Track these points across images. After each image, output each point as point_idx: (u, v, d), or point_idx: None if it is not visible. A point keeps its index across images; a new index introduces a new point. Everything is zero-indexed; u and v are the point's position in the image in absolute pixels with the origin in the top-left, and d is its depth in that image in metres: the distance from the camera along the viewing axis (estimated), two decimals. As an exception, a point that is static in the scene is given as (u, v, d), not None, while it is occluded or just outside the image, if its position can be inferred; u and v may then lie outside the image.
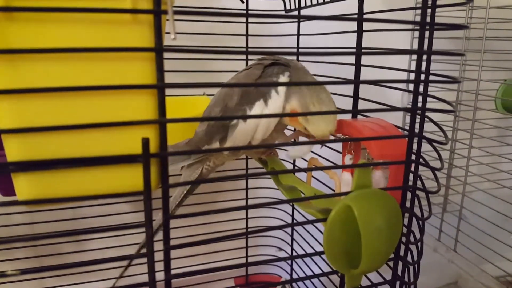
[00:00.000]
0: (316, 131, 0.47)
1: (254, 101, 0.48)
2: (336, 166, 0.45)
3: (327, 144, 0.65)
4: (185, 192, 0.55)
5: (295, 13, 0.73)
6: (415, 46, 0.86)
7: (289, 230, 0.87)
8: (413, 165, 0.43)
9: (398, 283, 0.46)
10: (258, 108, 0.48)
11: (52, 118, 0.29)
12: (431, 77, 0.40)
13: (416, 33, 0.95)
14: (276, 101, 0.48)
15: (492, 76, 0.91)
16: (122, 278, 0.77)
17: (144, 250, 0.32)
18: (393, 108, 0.42)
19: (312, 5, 0.67)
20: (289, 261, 0.89)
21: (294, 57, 0.73)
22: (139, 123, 0.31)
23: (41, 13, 0.27)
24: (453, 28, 0.39)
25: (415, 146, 0.42)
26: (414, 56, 0.97)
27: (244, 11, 0.72)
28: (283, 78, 0.48)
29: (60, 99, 0.29)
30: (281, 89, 0.48)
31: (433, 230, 0.93)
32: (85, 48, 0.28)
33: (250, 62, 0.76)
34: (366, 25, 0.53)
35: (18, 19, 0.27)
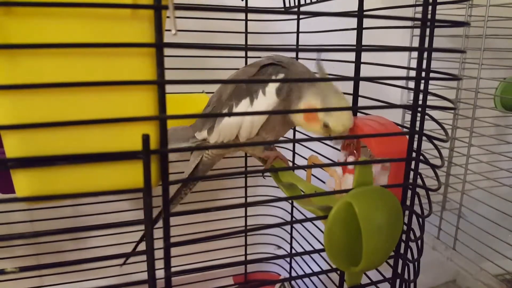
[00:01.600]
0: (337, 125, 0.45)
1: (241, 98, 0.49)
2: (336, 164, 0.45)
3: (327, 142, 0.65)
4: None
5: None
6: (415, 45, 0.86)
7: (288, 228, 0.87)
8: (413, 162, 0.42)
9: (398, 281, 0.46)
10: (243, 105, 0.49)
11: (51, 114, 0.29)
12: (432, 75, 0.40)
13: (416, 32, 0.96)
14: (261, 102, 0.48)
15: (492, 74, 0.91)
16: (121, 276, 0.77)
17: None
18: (394, 105, 0.42)
19: (311, 3, 0.67)
20: (288, 260, 0.89)
21: (294, 54, 0.73)
22: (139, 119, 0.30)
23: (40, 7, 0.27)
24: (454, 25, 0.39)
25: (415, 144, 0.42)
26: (414, 55, 0.97)
27: (243, 7, 0.72)
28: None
29: (60, 95, 0.29)
30: (270, 91, 0.48)
31: (432, 228, 0.93)
32: (85, 44, 0.28)
33: (249, 60, 0.76)
34: (366, 23, 0.53)
35: (17, 14, 0.27)
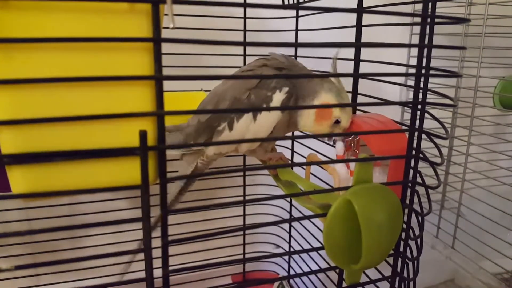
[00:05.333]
0: (347, 120, 0.47)
1: (243, 112, 0.47)
2: (335, 161, 0.45)
3: (326, 140, 0.64)
4: (182, 185, 0.55)
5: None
6: (414, 43, 0.85)
7: (286, 227, 0.86)
8: (412, 160, 0.42)
9: (397, 279, 0.46)
10: (245, 120, 0.47)
11: (47, 110, 0.29)
12: (432, 71, 0.40)
13: (415, 30, 0.95)
14: (265, 118, 0.47)
15: (491, 72, 0.91)
16: (119, 275, 0.76)
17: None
18: (394, 103, 0.41)
19: (310, 1, 0.66)
20: (286, 259, 0.89)
21: (293, 51, 0.73)
22: (137, 115, 0.30)
23: (37, 1, 0.27)
24: (455, 22, 0.39)
25: (415, 141, 0.42)
26: (413, 53, 0.97)
27: (242, 2, 0.72)
28: (279, 95, 0.46)
29: (56, 90, 0.28)
30: (275, 106, 0.46)
31: (431, 227, 0.93)
32: (82, 38, 0.28)
33: (247, 59, 0.76)
34: (365, 21, 0.53)
35: (14, 8, 0.26)
